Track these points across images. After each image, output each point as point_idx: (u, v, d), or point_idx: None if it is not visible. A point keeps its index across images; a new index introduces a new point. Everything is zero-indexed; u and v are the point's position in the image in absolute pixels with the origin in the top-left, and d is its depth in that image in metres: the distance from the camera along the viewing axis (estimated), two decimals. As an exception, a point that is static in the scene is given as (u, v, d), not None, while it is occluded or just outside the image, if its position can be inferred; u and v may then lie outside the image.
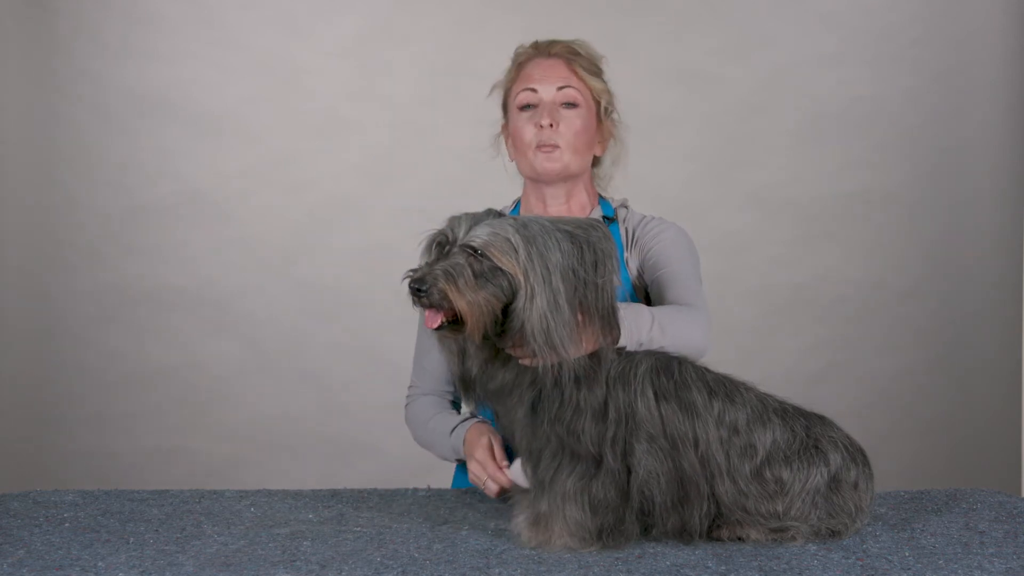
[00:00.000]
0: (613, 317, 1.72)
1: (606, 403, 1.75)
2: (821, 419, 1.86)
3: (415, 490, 2.18)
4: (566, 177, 2.17)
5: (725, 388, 1.82)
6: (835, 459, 1.80)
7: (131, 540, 1.81)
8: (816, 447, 1.80)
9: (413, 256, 1.78)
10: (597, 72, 2.20)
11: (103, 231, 4.07)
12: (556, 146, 2.13)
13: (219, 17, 4.07)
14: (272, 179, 4.10)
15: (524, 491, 1.81)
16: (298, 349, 4.13)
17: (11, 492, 2.15)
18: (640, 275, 2.19)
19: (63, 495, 2.10)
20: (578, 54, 2.18)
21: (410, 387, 2.31)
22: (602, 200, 2.26)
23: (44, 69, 4.03)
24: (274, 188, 4.10)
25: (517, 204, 2.30)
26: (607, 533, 1.74)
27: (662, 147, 4.06)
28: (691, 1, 4.12)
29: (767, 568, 1.65)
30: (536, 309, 1.65)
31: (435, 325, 1.68)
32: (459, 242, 1.69)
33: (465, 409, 2.26)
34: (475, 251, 1.68)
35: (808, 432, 1.82)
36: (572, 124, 2.14)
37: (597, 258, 1.69)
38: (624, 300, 2.07)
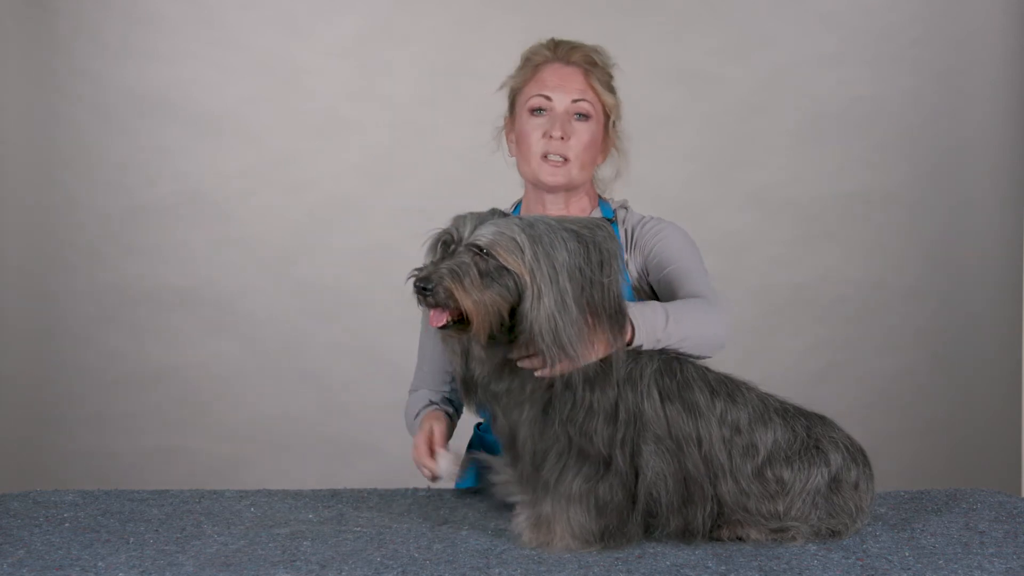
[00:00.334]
0: (621, 316, 1.72)
1: (616, 405, 1.75)
2: (822, 419, 1.86)
3: (415, 490, 2.18)
4: (569, 188, 2.17)
5: (727, 388, 1.82)
6: (836, 459, 1.80)
7: (131, 540, 1.81)
8: (817, 447, 1.80)
9: (413, 256, 1.78)
10: (610, 85, 2.19)
11: (103, 231, 4.07)
12: (565, 159, 2.12)
13: (219, 17, 4.06)
14: (272, 179, 4.10)
15: (525, 491, 1.81)
16: (298, 349, 4.13)
17: (11, 492, 2.15)
18: (641, 277, 2.19)
19: (63, 495, 2.10)
20: (596, 64, 2.16)
21: (411, 383, 2.33)
22: (602, 202, 2.26)
23: (44, 69, 4.03)
24: (274, 188, 4.10)
25: (517, 206, 2.30)
26: (609, 535, 1.74)
27: (662, 147, 4.06)
28: (691, 1, 4.12)
29: (767, 568, 1.65)
30: (544, 309, 1.65)
31: (440, 324, 1.68)
32: (464, 241, 1.68)
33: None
34: (481, 250, 1.67)
35: (809, 432, 1.82)
36: (582, 137, 2.13)
37: (603, 258, 1.69)
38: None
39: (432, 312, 1.68)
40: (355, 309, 4.11)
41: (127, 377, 4.10)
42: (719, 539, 1.78)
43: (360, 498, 2.10)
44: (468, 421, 2.39)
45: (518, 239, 1.67)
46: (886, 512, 1.98)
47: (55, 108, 4.04)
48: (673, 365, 1.81)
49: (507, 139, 2.25)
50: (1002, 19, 4.08)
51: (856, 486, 1.81)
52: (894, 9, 4.14)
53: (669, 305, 1.88)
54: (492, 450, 2.31)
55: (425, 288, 1.65)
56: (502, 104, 2.27)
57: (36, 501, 2.07)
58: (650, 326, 1.81)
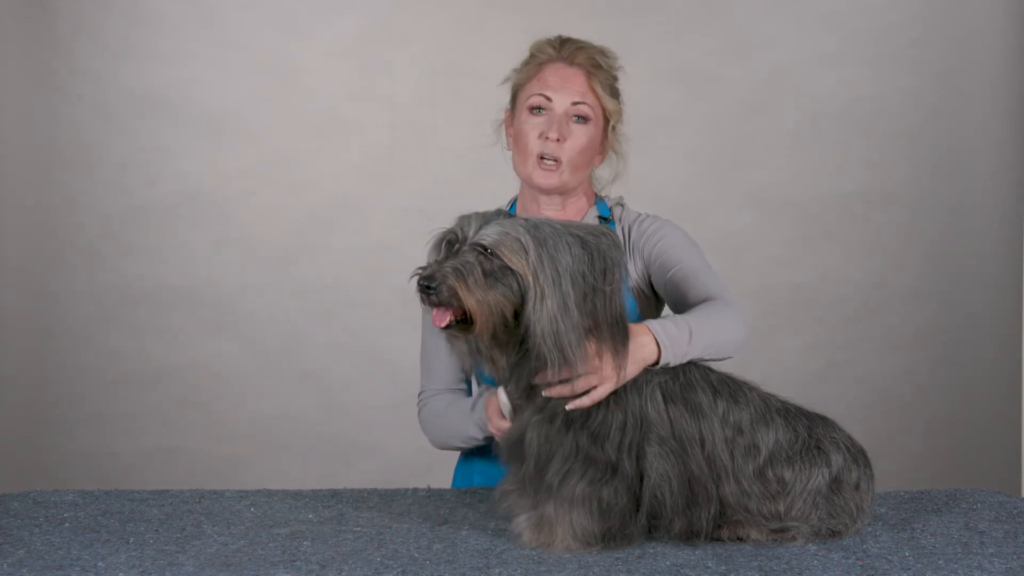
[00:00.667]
0: (622, 327, 1.71)
1: (625, 410, 1.75)
2: (823, 419, 1.86)
3: (415, 490, 2.18)
4: (562, 192, 2.17)
5: (729, 388, 1.82)
6: (837, 460, 1.80)
7: (131, 540, 1.81)
8: (818, 448, 1.80)
9: (413, 256, 1.78)
10: (614, 89, 2.18)
11: (103, 231, 4.07)
12: (558, 162, 2.11)
13: (219, 17, 4.06)
14: (272, 179, 4.10)
15: (526, 492, 1.81)
16: (298, 349, 4.13)
17: (11, 492, 2.15)
18: (642, 279, 2.18)
19: (63, 495, 2.10)
20: (599, 67, 2.14)
21: (421, 393, 2.25)
22: (598, 201, 2.26)
23: (44, 69, 4.03)
24: (274, 188, 4.10)
25: (514, 203, 2.29)
26: (611, 537, 1.74)
27: (662, 147, 4.06)
28: (691, 1, 4.12)
29: (767, 568, 1.65)
30: (546, 311, 1.65)
31: (443, 324, 1.67)
32: (469, 241, 1.68)
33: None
34: (485, 250, 1.67)
35: (810, 432, 1.82)
36: (578, 140, 2.12)
37: (606, 266, 1.69)
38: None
39: (435, 311, 1.68)
40: (355, 309, 4.11)
41: (127, 377, 4.10)
42: (719, 539, 1.78)
43: (360, 498, 2.10)
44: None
45: (523, 240, 1.67)
46: (886, 512, 1.98)
47: (55, 108, 4.04)
48: (676, 367, 1.81)
49: (506, 133, 2.25)
50: (1002, 19, 4.08)
51: (857, 487, 1.81)
52: (894, 9, 4.14)
53: (689, 316, 1.87)
54: (487, 449, 2.30)
55: (429, 287, 1.65)
56: (502, 102, 2.26)
57: (36, 501, 2.06)
58: (675, 343, 1.80)
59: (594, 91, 2.13)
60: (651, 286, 2.20)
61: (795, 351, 4.13)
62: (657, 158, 4.03)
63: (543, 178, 2.12)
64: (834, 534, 1.79)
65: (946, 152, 4.17)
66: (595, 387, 1.74)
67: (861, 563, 1.67)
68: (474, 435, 2.10)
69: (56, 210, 4.06)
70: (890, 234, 4.19)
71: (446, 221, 1.75)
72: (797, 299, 4.16)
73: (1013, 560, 1.70)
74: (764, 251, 4.15)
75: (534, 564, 1.67)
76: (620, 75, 2.21)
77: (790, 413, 1.83)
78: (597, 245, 1.69)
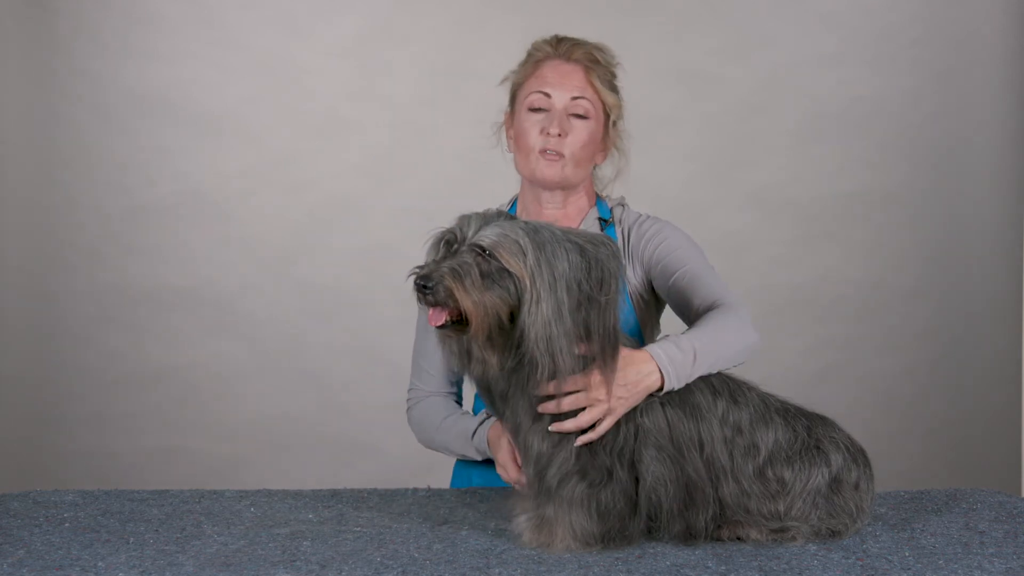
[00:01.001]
0: (613, 339, 1.71)
1: (621, 416, 1.75)
2: (823, 419, 1.86)
3: (415, 490, 2.18)
4: (565, 186, 2.16)
5: (729, 388, 1.82)
6: (836, 460, 1.80)
7: (131, 540, 1.81)
8: (818, 447, 1.80)
9: (413, 256, 1.78)
10: (612, 84, 2.17)
11: (103, 231, 4.07)
12: (560, 155, 2.11)
13: (219, 17, 4.06)
14: (272, 179, 4.10)
15: (526, 493, 1.81)
16: (298, 349, 4.13)
17: (11, 492, 2.15)
18: (642, 284, 2.17)
19: (63, 495, 2.10)
20: (597, 62, 2.14)
21: (411, 389, 2.27)
22: (599, 202, 2.25)
23: (44, 69, 4.03)
24: (274, 188, 4.10)
25: (514, 203, 2.29)
26: (610, 538, 1.74)
27: (662, 147, 4.06)
28: (691, 1, 4.12)
29: (767, 568, 1.65)
30: (541, 315, 1.65)
31: (439, 323, 1.67)
32: (468, 241, 1.68)
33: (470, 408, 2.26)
34: (483, 251, 1.67)
35: (810, 432, 1.82)
36: (579, 135, 2.11)
37: (603, 276, 1.68)
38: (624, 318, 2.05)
39: (431, 311, 1.67)
40: (355, 309, 4.11)
41: (127, 377, 4.10)
42: (719, 539, 1.78)
43: (360, 498, 2.10)
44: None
45: (521, 242, 1.66)
46: (886, 512, 1.98)
47: (55, 108, 4.04)
48: None
49: (506, 134, 2.24)
50: (1002, 19, 4.08)
51: (857, 486, 1.81)
52: (894, 9, 4.14)
53: (694, 335, 1.83)
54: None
55: (425, 286, 1.64)
56: (502, 102, 2.26)
57: (36, 501, 2.06)
58: (679, 367, 1.78)
59: (593, 86, 2.13)
60: (651, 291, 2.19)
61: (795, 351, 4.13)
62: (657, 158, 4.03)
63: (547, 169, 2.11)
64: (834, 534, 1.79)
65: (946, 152, 4.17)
66: (597, 416, 1.74)
67: (861, 563, 1.67)
68: (468, 455, 2.15)
69: (56, 210, 4.06)
70: (890, 234, 4.19)
71: (446, 221, 1.75)
72: (797, 299, 4.16)
73: (1013, 560, 1.70)
74: (764, 251, 4.15)
75: (534, 564, 1.67)
76: (619, 72, 2.20)
77: (789, 413, 1.83)
78: (596, 254, 1.68)
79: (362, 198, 4.10)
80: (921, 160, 4.17)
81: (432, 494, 2.14)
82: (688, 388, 1.79)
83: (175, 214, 4.08)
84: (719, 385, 1.82)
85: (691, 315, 2.03)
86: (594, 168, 2.23)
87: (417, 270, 1.67)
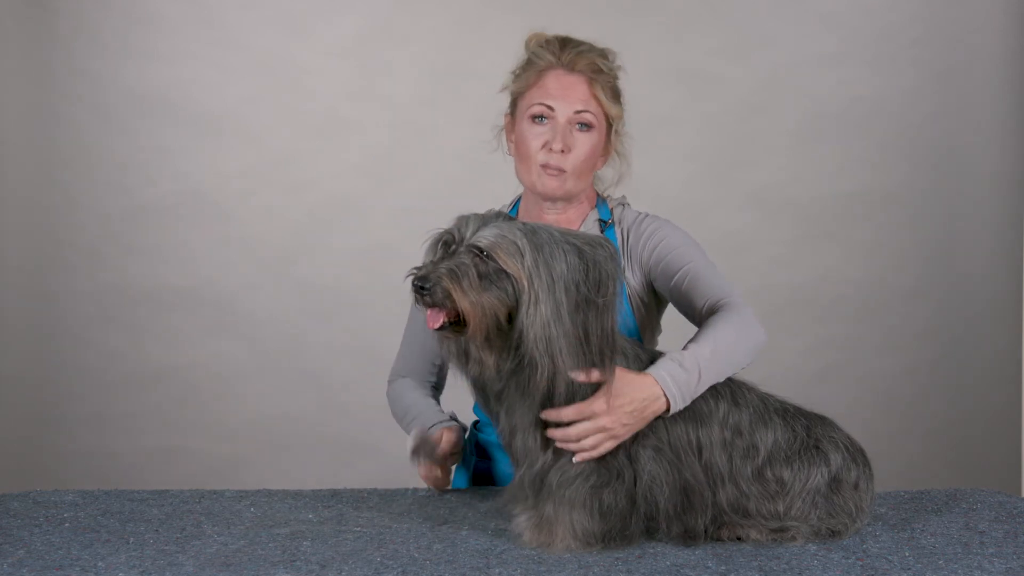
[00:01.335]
0: (610, 342, 1.70)
1: None
2: (822, 419, 1.86)
3: (415, 490, 2.18)
4: (566, 198, 2.15)
5: (730, 389, 1.82)
6: (836, 459, 1.80)
7: (131, 540, 1.81)
8: (817, 447, 1.80)
9: (413, 256, 1.78)
10: (615, 92, 2.15)
11: (103, 231, 4.07)
12: (562, 170, 2.10)
13: (219, 17, 4.06)
14: (272, 179, 4.10)
15: (525, 493, 1.81)
16: (298, 349, 4.13)
17: (11, 492, 2.15)
18: (642, 286, 2.17)
19: (63, 495, 2.10)
20: (600, 72, 2.11)
21: (392, 368, 2.36)
22: (600, 203, 2.25)
23: (44, 69, 4.03)
24: (274, 188, 4.10)
25: (516, 203, 2.28)
26: (611, 538, 1.74)
27: (662, 147, 4.06)
28: (691, 1, 4.12)
29: (767, 568, 1.65)
30: (540, 316, 1.65)
31: (437, 325, 1.67)
32: (466, 242, 1.68)
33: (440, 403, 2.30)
34: (481, 252, 1.67)
35: (809, 432, 1.82)
36: (582, 149, 2.10)
37: (601, 278, 1.68)
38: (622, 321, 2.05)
39: (429, 312, 1.67)
40: (355, 309, 4.11)
41: (127, 377, 4.10)
42: (719, 539, 1.78)
43: (360, 498, 2.10)
44: (465, 420, 2.39)
45: (519, 243, 1.66)
46: (886, 512, 1.98)
47: (55, 108, 4.04)
48: None
49: (507, 139, 2.23)
50: (1002, 19, 4.08)
51: (856, 486, 1.81)
52: (894, 9, 4.14)
53: (698, 350, 1.81)
54: (488, 449, 2.31)
55: (423, 287, 1.64)
56: (502, 103, 2.25)
57: (36, 501, 2.06)
58: (684, 388, 1.77)
59: (596, 98, 2.10)
60: (651, 292, 2.18)
61: (795, 351, 4.13)
62: (657, 158, 4.03)
63: (549, 185, 2.11)
64: (834, 534, 1.79)
65: (946, 152, 4.17)
66: (601, 441, 1.74)
67: (861, 563, 1.67)
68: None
69: (56, 210, 4.06)
70: (890, 234, 4.18)
71: (446, 221, 1.75)
72: (797, 299, 4.16)
73: (1013, 560, 1.70)
74: (764, 251, 4.15)
75: (534, 564, 1.67)
76: (620, 74, 2.19)
77: (788, 413, 1.84)
78: (594, 256, 1.68)
79: (362, 198, 4.10)
80: (921, 160, 4.17)
81: (432, 494, 2.14)
82: None
83: (175, 214, 4.08)
84: (720, 387, 1.82)
85: (695, 315, 2.03)
86: (594, 173, 2.23)
87: (415, 271, 1.67)
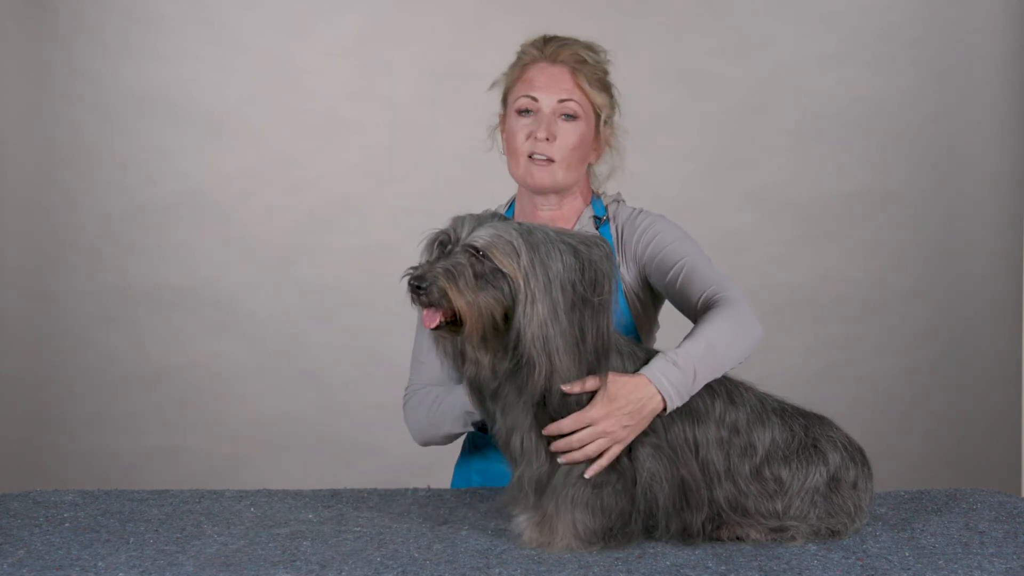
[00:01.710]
0: (606, 341, 1.70)
1: None
2: (820, 419, 1.86)
3: (415, 490, 2.18)
4: (557, 190, 2.16)
5: (726, 388, 1.82)
6: (834, 458, 1.80)
7: (131, 540, 1.81)
8: (815, 446, 1.80)
9: (413, 256, 1.78)
10: (602, 83, 2.15)
11: (103, 231, 4.07)
12: (550, 160, 2.10)
13: (219, 17, 4.06)
14: (272, 179, 4.10)
15: (524, 493, 1.81)
16: (298, 349, 4.13)
17: (11, 492, 2.15)
18: (637, 282, 2.17)
19: (63, 495, 2.10)
20: (584, 62, 2.11)
21: (407, 386, 2.27)
22: (595, 200, 2.25)
23: (44, 69, 4.03)
24: (274, 188, 4.10)
25: (512, 203, 2.29)
26: (612, 536, 1.74)
27: (662, 147, 4.06)
28: (691, 1, 4.12)
29: (767, 568, 1.65)
30: (537, 315, 1.65)
31: (433, 325, 1.67)
32: (462, 242, 1.68)
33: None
34: (477, 251, 1.67)
35: (807, 431, 1.82)
36: (568, 138, 2.10)
37: (597, 277, 1.68)
38: (617, 319, 2.05)
39: (425, 312, 1.67)
40: (355, 309, 4.11)
41: (127, 377, 4.10)
42: (719, 539, 1.78)
43: (360, 498, 2.10)
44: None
45: (515, 243, 1.67)
46: (886, 512, 1.98)
47: (55, 108, 4.04)
48: None
49: (501, 137, 2.24)
50: (1002, 19, 4.08)
51: (855, 485, 1.81)
52: (894, 9, 4.14)
53: (691, 349, 1.81)
54: (483, 448, 2.30)
55: (419, 287, 1.64)
56: (500, 104, 2.26)
57: (36, 501, 2.06)
58: (679, 387, 1.77)
59: (580, 87, 2.11)
60: (647, 288, 2.18)
61: (795, 351, 4.13)
62: (657, 158, 4.03)
63: (537, 176, 2.11)
64: (833, 533, 1.79)
65: (946, 152, 4.17)
66: (605, 446, 1.74)
67: (861, 563, 1.67)
68: (459, 423, 2.07)
69: (56, 210, 4.06)
70: (890, 234, 4.18)
71: (445, 221, 1.75)
72: (797, 299, 4.16)
73: (1013, 560, 1.70)
74: (764, 251, 4.15)
75: (534, 564, 1.67)
76: (612, 68, 2.18)
77: (786, 412, 1.84)
78: (589, 255, 1.68)
79: (362, 198, 4.10)
80: (921, 160, 4.17)
81: (432, 494, 2.14)
82: None
83: (175, 214, 4.08)
84: (716, 386, 1.82)
85: (691, 310, 2.03)
86: (590, 166, 2.23)
87: (411, 271, 1.67)
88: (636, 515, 1.76)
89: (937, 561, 1.69)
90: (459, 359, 1.74)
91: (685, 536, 1.76)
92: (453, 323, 1.67)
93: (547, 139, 2.09)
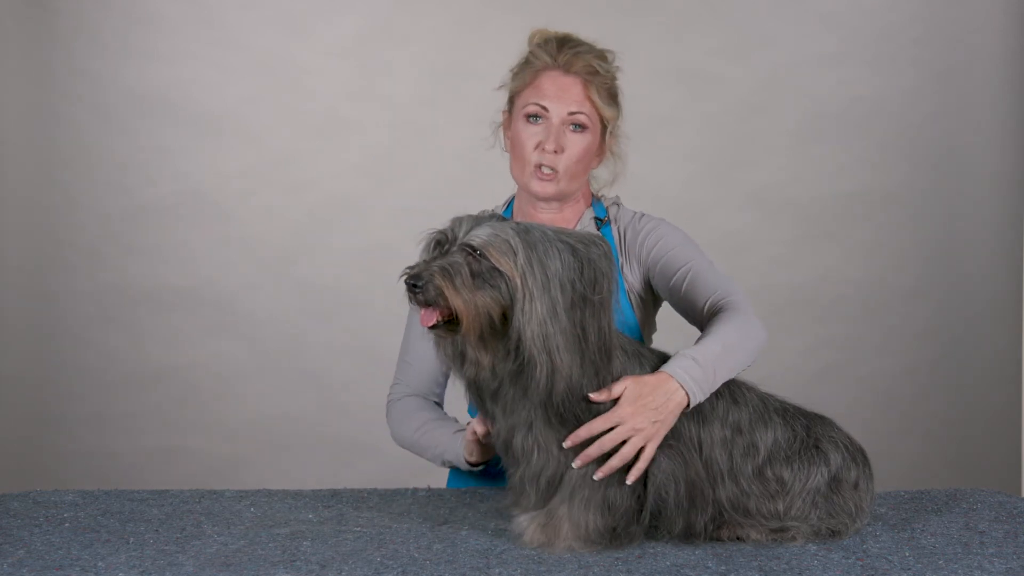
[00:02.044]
0: (607, 339, 1.70)
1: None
2: (821, 419, 1.87)
3: (415, 490, 2.18)
4: (559, 199, 2.16)
5: (729, 388, 1.82)
6: (835, 459, 1.80)
7: (131, 540, 1.81)
8: (817, 447, 1.81)
9: (413, 256, 1.78)
10: (611, 94, 2.15)
11: (103, 231, 4.07)
12: (555, 171, 2.10)
13: (219, 17, 4.06)
14: (272, 179, 4.10)
15: (525, 493, 1.81)
16: (298, 349, 4.13)
17: (11, 492, 2.15)
18: (639, 282, 2.17)
19: (63, 495, 2.10)
20: (596, 73, 2.11)
21: (394, 385, 2.28)
22: (596, 202, 2.25)
23: (44, 69, 4.03)
24: (274, 188, 4.10)
25: (510, 203, 2.29)
26: (615, 536, 1.74)
27: (662, 147, 4.06)
28: (691, 1, 4.12)
29: (767, 568, 1.65)
30: (536, 314, 1.65)
31: (430, 324, 1.67)
32: (459, 241, 1.69)
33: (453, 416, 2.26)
34: (474, 250, 1.67)
35: (809, 432, 1.82)
36: (575, 150, 2.10)
37: (596, 276, 1.68)
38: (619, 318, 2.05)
39: (423, 311, 1.68)
40: (355, 309, 4.11)
41: (127, 377, 4.10)
42: (719, 539, 1.78)
43: (360, 498, 2.10)
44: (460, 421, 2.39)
45: (512, 242, 1.67)
46: (886, 512, 1.98)
47: (55, 108, 4.04)
48: None
49: (504, 135, 2.24)
50: (1002, 19, 4.08)
51: (856, 486, 1.81)
52: (894, 9, 4.14)
53: (708, 348, 1.83)
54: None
55: (415, 285, 1.65)
56: (501, 102, 2.25)
57: (36, 501, 2.06)
58: (701, 384, 1.78)
59: (591, 100, 2.11)
60: (649, 289, 2.19)
61: (795, 351, 4.13)
62: (657, 158, 4.03)
63: (540, 187, 2.12)
64: (834, 534, 1.80)
65: (946, 152, 4.17)
66: (638, 445, 1.74)
67: (861, 563, 1.67)
68: (438, 462, 2.18)
69: (56, 210, 4.06)
70: (890, 234, 4.18)
71: (445, 221, 1.76)
72: (797, 299, 4.16)
73: (1013, 560, 1.70)
74: (764, 251, 4.15)
75: (534, 564, 1.67)
76: (619, 74, 2.19)
77: (788, 413, 1.84)
78: (587, 254, 1.68)
79: (362, 198, 4.10)
80: (921, 160, 4.17)
81: (432, 494, 2.14)
82: None
83: (175, 214, 4.08)
84: (720, 386, 1.82)
85: (696, 315, 2.04)
86: (589, 174, 2.23)
87: (408, 270, 1.67)
88: (643, 514, 1.76)
89: (937, 561, 1.69)
90: (459, 360, 1.74)
91: (688, 536, 1.76)
92: (450, 322, 1.67)
93: (555, 151, 2.09)
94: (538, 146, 2.10)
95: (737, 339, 1.87)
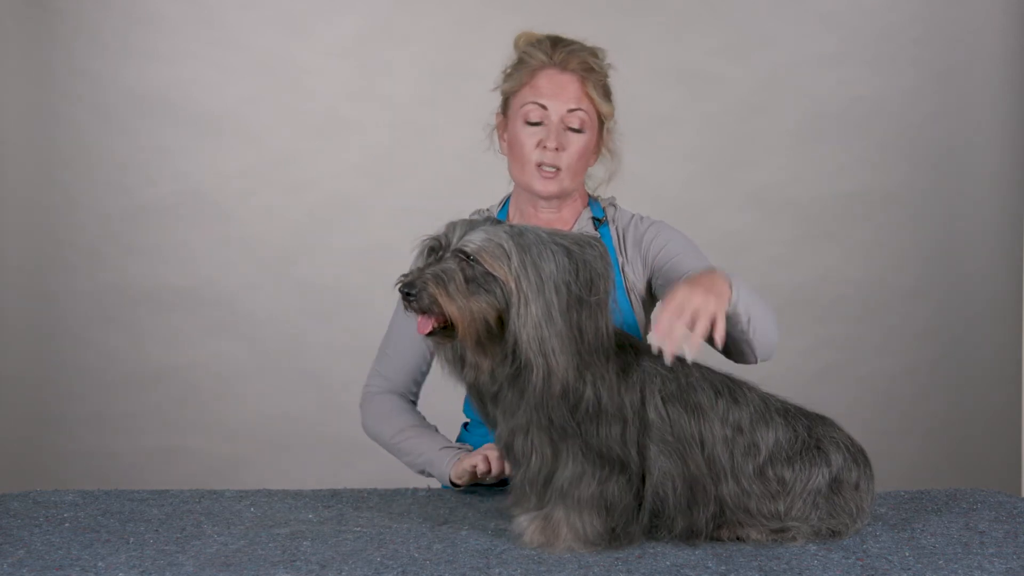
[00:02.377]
0: (606, 339, 1.71)
1: (620, 407, 1.75)
2: (823, 419, 1.86)
3: (415, 490, 2.18)
4: (561, 196, 2.17)
5: (729, 388, 1.82)
6: (837, 460, 1.80)
7: (131, 540, 1.81)
8: (818, 447, 1.80)
9: (412, 257, 1.79)
10: (606, 90, 2.17)
11: (103, 231, 4.07)
12: (557, 169, 2.12)
13: (219, 17, 4.06)
14: (272, 179, 4.10)
15: (526, 494, 1.81)
16: (298, 349, 4.13)
17: (11, 492, 2.15)
18: (640, 280, 2.18)
19: (63, 495, 2.10)
20: (592, 70, 2.13)
21: (371, 375, 2.30)
22: (592, 201, 2.25)
23: (44, 69, 4.03)
24: (274, 188, 4.10)
25: (506, 203, 2.29)
26: (615, 537, 1.74)
27: (662, 147, 4.06)
28: (691, 1, 4.12)
29: (767, 568, 1.65)
30: (531, 317, 1.65)
31: (426, 331, 1.68)
32: (452, 247, 1.68)
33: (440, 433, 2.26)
34: (467, 256, 1.67)
35: (810, 432, 1.82)
36: (575, 147, 2.12)
37: (592, 277, 1.68)
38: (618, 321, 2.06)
39: (419, 319, 1.68)
40: (355, 309, 4.11)
41: (127, 377, 4.10)
42: (719, 539, 1.78)
43: (360, 498, 2.10)
44: (455, 420, 2.40)
45: (505, 246, 1.67)
46: (886, 512, 1.98)
47: (55, 108, 4.04)
48: (676, 368, 1.81)
49: (499, 137, 2.24)
50: (1002, 19, 4.08)
51: (857, 486, 1.81)
52: (894, 9, 4.14)
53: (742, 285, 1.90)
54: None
55: (409, 293, 1.65)
56: (499, 101, 2.26)
57: (36, 501, 2.07)
58: (734, 280, 1.85)
59: (588, 96, 2.13)
60: (648, 291, 2.20)
61: (795, 351, 4.13)
62: (657, 158, 4.03)
63: (543, 186, 2.13)
64: (834, 534, 1.80)
65: (946, 152, 4.17)
66: (709, 321, 1.77)
67: (861, 563, 1.67)
68: (413, 468, 2.22)
69: (56, 210, 4.06)
70: (890, 234, 4.18)
71: (445, 221, 1.76)
72: (797, 299, 4.16)
73: (1013, 560, 1.70)
74: (764, 251, 4.15)
75: (534, 564, 1.67)
76: (619, 73, 2.20)
77: (790, 413, 1.84)
78: (582, 256, 1.68)
79: (362, 198, 4.10)
80: (921, 160, 4.17)
81: (432, 494, 2.14)
82: (689, 386, 1.79)
83: (175, 214, 4.08)
84: (720, 385, 1.82)
85: None
86: (586, 172, 2.24)
87: (402, 278, 1.67)
88: (642, 513, 1.75)
89: (937, 561, 1.69)
90: (459, 364, 1.74)
91: (689, 536, 1.76)
92: (446, 328, 1.67)
93: (556, 149, 2.10)
94: (539, 144, 2.11)
95: (761, 298, 1.94)
